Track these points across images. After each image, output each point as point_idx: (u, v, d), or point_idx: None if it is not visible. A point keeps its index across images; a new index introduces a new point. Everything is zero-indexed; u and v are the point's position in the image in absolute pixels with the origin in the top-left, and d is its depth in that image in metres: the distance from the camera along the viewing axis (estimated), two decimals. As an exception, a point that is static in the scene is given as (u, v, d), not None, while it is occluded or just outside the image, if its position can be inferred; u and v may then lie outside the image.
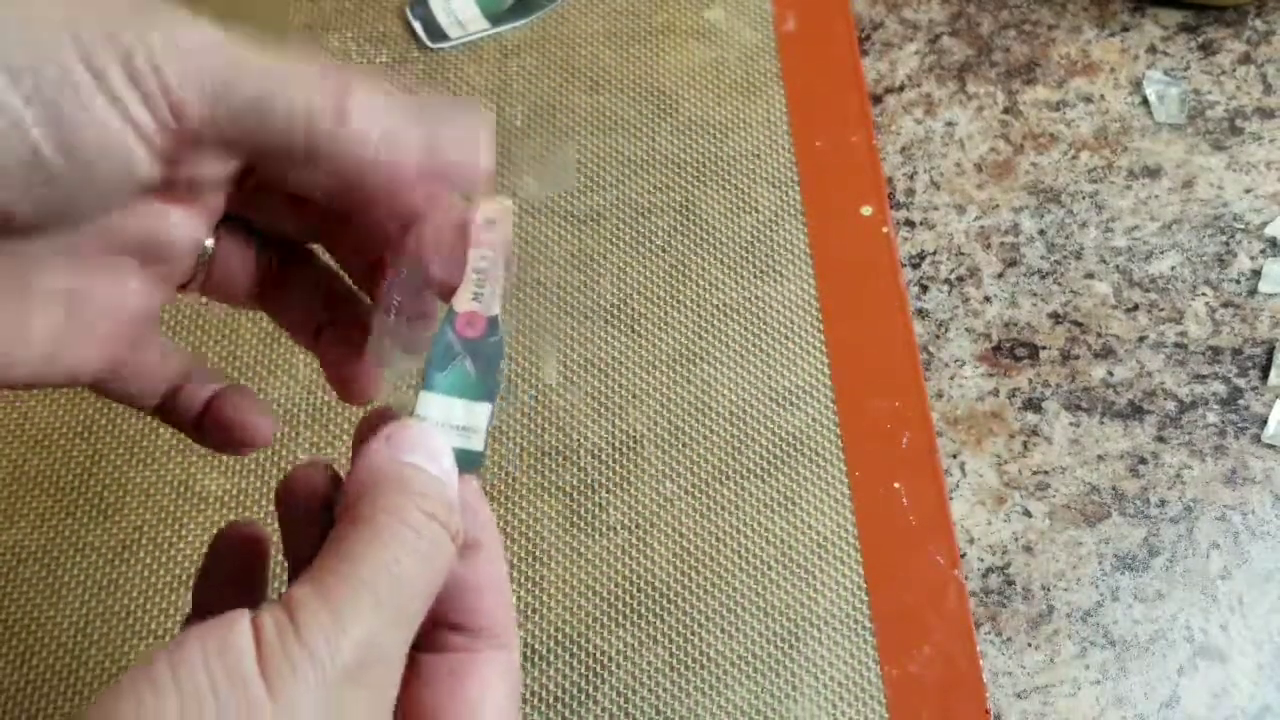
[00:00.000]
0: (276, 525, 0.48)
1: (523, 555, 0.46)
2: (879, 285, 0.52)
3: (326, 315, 0.34)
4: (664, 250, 0.53)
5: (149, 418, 0.49)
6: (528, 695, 0.44)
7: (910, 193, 0.56)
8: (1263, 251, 0.53)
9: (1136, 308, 0.52)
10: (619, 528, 0.47)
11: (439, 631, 0.29)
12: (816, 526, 0.47)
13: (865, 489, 0.48)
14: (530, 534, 0.47)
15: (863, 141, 0.56)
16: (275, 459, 0.48)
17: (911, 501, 0.48)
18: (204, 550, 0.46)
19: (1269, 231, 0.53)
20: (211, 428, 0.34)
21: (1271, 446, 0.49)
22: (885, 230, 0.54)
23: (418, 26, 0.59)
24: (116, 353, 0.31)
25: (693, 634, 0.45)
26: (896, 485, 0.48)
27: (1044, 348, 0.52)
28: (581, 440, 0.49)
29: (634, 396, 0.50)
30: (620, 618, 0.45)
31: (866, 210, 0.54)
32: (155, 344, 0.33)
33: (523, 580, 0.46)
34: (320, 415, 0.49)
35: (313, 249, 0.34)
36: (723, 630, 0.45)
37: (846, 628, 0.45)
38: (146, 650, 0.44)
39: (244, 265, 0.32)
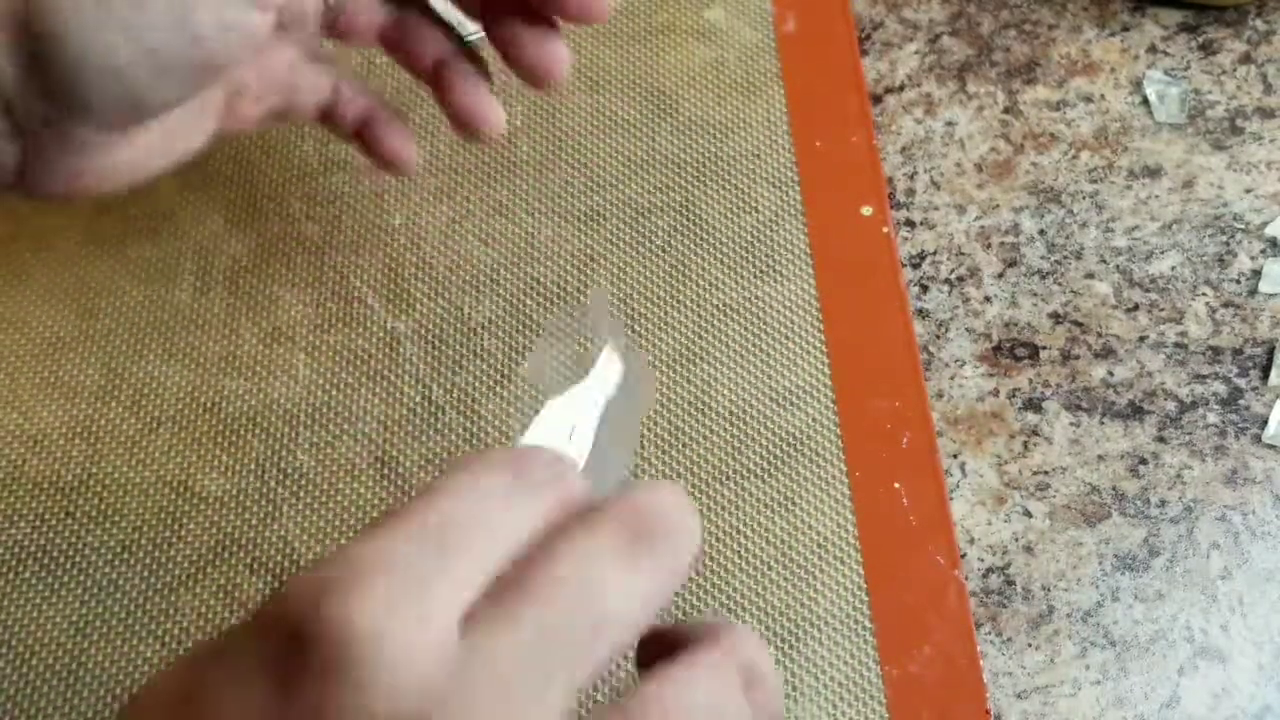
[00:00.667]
0: (274, 525, 0.48)
1: (522, 555, 0.46)
2: (879, 285, 0.52)
3: (442, 51, 0.43)
4: (664, 250, 0.53)
5: (148, 419, 0.49)
6: (527, 696, 0.44)
7: (910, 193, 0.56)
8: (1263, 251, 0.53)
9: (1136, 308, 0.52)
10: (619, 528, 0.47)
11: None
12: (816, 527, 0.47)
13: (865, 489, 0.48)
14: (530, 534, 0.47)
15: (863, 141, 0.56)
16: (275, 460, 0.48)
17: (912, 501, 0.48)
18: (203, 551, 0.46)
19: (1269, 231, 0.53)
20: (368, 147, 0.44)
21: (1272, 446, 0.49)
22: (885, 230, 0.54)
23: (417, 26, 0.59)
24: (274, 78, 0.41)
25: (692, 634, 0.45)
26: (896, 485, 0.48)
27: (1044, 348, 0.52)
28: (581, 441, 0.49)
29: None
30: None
31: (866, 210, 0.54)
32: (306, 70, 0.42)
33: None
34: (320, 415, 0.49)
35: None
36: (722, 630, 0.45)
37: (846, 628, 0.45)
38: (147, 651, 0.44)
39: (369, 11, 0.42)
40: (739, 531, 0.47)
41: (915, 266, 0.54)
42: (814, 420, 0.49)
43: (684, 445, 0.49)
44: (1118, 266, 0.53)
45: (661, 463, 0.48)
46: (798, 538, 0.47)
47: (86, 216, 0.53)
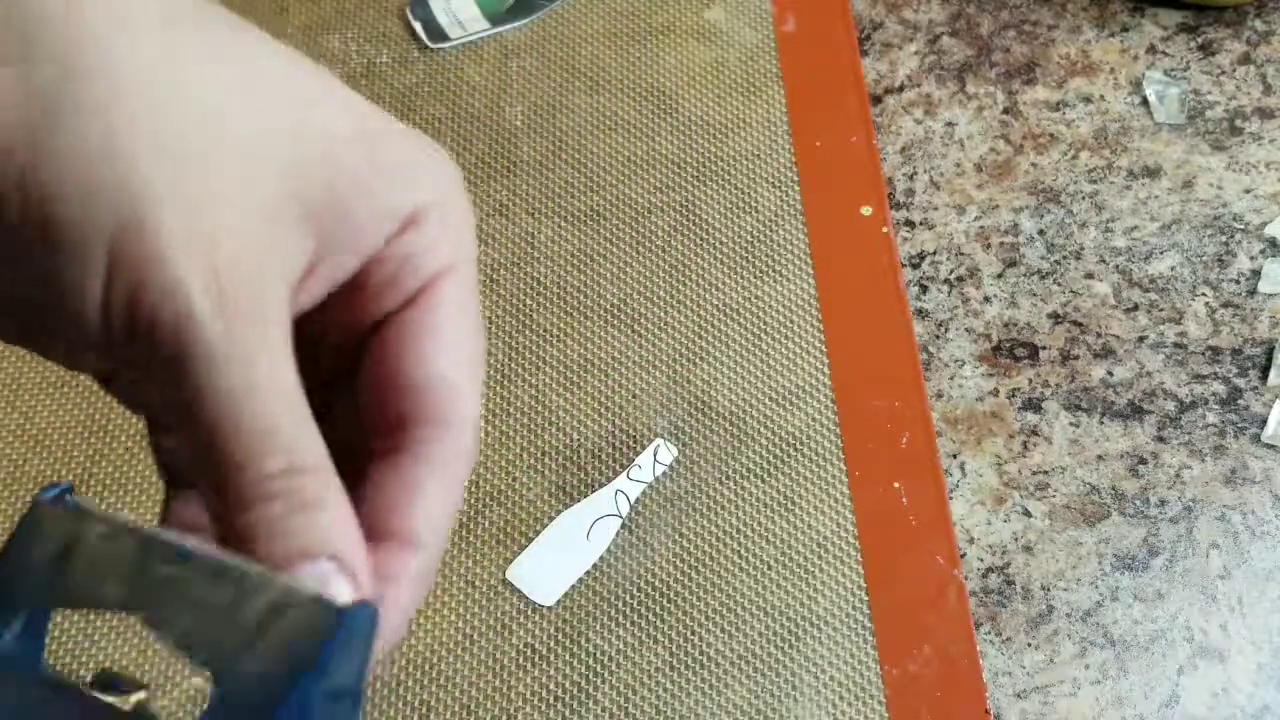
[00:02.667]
0: (277, 525, 0.48)
1: (523, 555, 0.47)
2: (879, 285, 0.53)
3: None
4: (664, 250, 0.53)
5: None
6: (528, 695, 0.44)
7: (910, 193, 0.56)
8: (1262, 251, 0.53)
9: (1136, 308, 0.52)
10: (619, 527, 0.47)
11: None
12: (816, 526, 0.47)
13: (865, 489, 0.48)
14: (530, 534, 0.47)
15: (862, 141, 0.56)
16: (275, 459, 0.48)
17: (911, 501, 0.48)
18: (204, 550, 0.46)
19: (1269, 231, 0.53)
20: None
21: (1271, 446, 0.49)
22: (885, 230, 0.54)
23: (418, 27, 0.59)
24: None
25: (693, 634, 0.45)
26: (896, 485, 0.48)
27: (1044, 348, 0.52)
28: (582, 440, 0.49)
29: (634, 396, 0.50)
30: (620, 617, 0.45)
31: (866, 210, 0.54)
32: None
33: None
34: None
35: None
36: (722, 630, 0.45)
37: (846, 627, 0.45)
38: (148, 650, 0.45)
39: None
40: (739, 531, 0.47)
41: (915, 266, 0.54)
42: (814, 420, 0.49)
43: (684, 445, 0.49)
44: (1117, 266, 0.53)
45: (669, 466, 0.48)
46: (798, 538, 0.47)
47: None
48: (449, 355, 0.27)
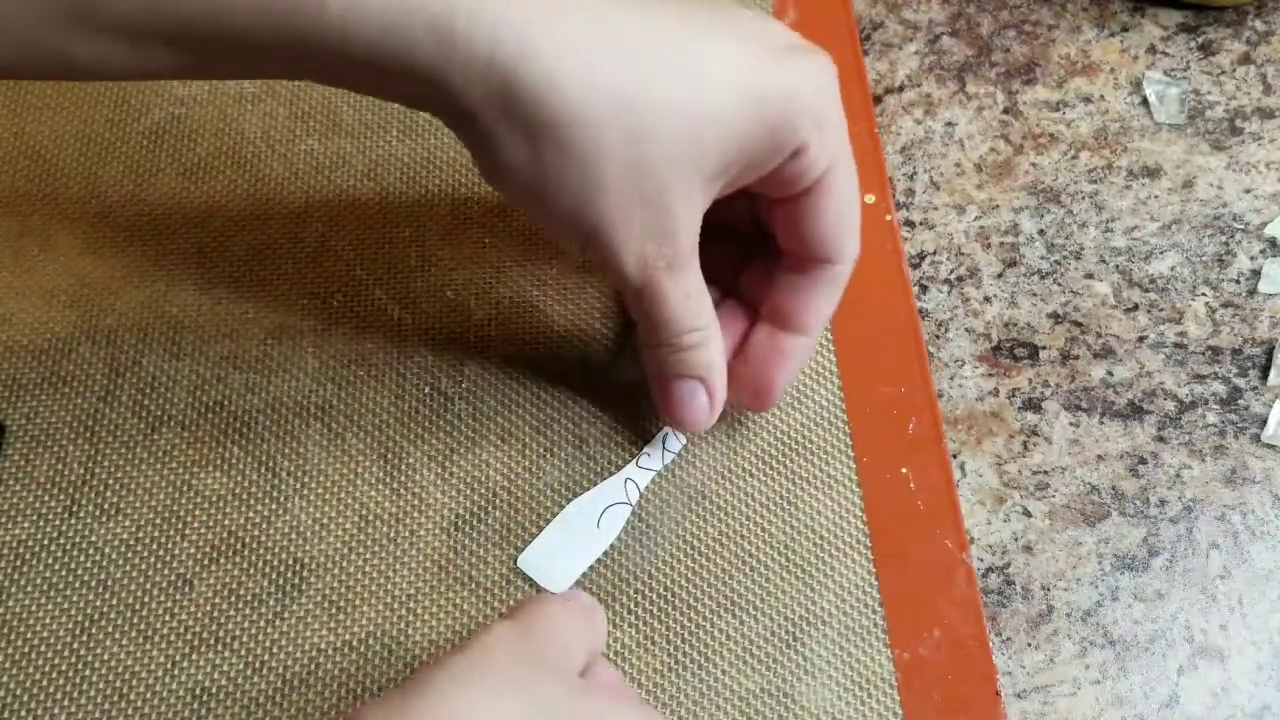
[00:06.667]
0: (279, 522, 0.48)
1: (525, 554, 0.47)
2: (883, 272, 0.53)
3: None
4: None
5: (151, 417, 0.49)
6: (531, 694, 0.44)
7: (910, 193, 0.56)
8: (1262, 251, 0.53)
9: (1136, 308, 0.52)
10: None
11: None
12: (825, 512, 0.47)
13: (873, 474, 0.48)
14: (538, 526, 0.47)
15: (865, 131, 0.56)
16: (281, 458, 0.48)
17: (919, 486, 0.48)
18: (206, 549, 0.46)
19: (1269, 231, 0.54)
20: None
21: (1271, 446, 0.49)
22: (889, 218, 0.54)
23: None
24: None
25: (704, 620, 0.45)
26: (904, 470, 0.48)
27: (1044, 348, 0.52)
28: (589, 431, 0.49)
29: (641, 388, 0.50)
30: (625, 611, 0.45)
31: (869, 199, 0.54)
32: None
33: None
34: (328, 409, 0.49)
35: None
36: (733, 617, 0.45)
37: (856, 612, 0.45)
38: (152, 649, 0.45)
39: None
40: (746, 520, 0.47)
41: (915, 266, 0.54)
42: (821, 407, 0.49)
43: (695, 441, 0.49)
44: (1117, 266, 0.53)
45: (677, 454, 0.49)
46: (805, 524, 0.47)
47: (91, 216, 0.53)
48: (839, 224, 0.42)
